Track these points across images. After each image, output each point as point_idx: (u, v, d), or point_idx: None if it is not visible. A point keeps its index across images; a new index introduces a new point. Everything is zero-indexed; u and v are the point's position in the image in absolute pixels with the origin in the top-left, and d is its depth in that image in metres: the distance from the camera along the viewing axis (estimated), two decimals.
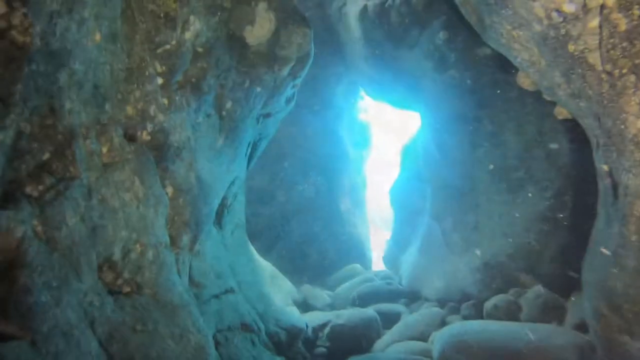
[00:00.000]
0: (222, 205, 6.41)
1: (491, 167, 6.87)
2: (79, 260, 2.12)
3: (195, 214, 4.23)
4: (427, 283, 7.78)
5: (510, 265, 6.12)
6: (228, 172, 5.56)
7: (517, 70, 6.33)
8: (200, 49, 4.31)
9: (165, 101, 3.83)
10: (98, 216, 2.51)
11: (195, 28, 3.94)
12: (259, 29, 5.15)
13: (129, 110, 3.31)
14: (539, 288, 5.58)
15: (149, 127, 3.58)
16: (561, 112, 3.47)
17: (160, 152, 3.71)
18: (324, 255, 11.43)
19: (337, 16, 9.66)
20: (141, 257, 3.00)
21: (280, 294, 8.70)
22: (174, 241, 3.87)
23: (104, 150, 2.94)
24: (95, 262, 2.40)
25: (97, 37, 2.53)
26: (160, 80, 3.73)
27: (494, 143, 6.77)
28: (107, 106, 2.97)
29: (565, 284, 5.38)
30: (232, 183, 6.34)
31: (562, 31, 2.53)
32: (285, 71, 6.01)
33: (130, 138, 3.40)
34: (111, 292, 2.60)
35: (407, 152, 12.41)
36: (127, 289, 2.74)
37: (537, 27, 2.75)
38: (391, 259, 11.83)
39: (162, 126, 3.71)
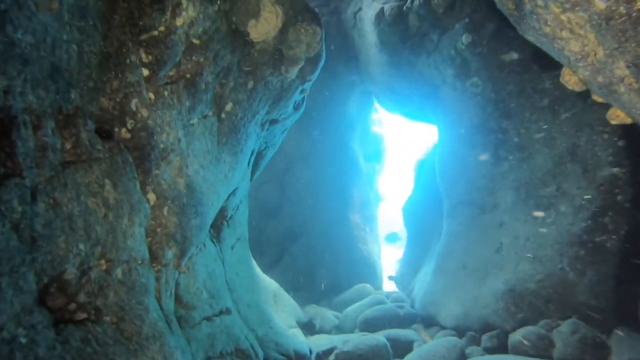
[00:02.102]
0: (221, 218, 5.92)
1: (516, 182, 6.25)
2: None
3: (183, 225, 3.71)
4: (443, 308, 7.10)
5: (540, 293, 5.45)
6: (227, 180, 5.05)
7: (549, 74, 5.80)
8: (195, 41, 3.85)
9: (151, 96, 3.36)
10: (43, 224, 2.00)
11: (188, 15, 3.49)
12: (264, 24, 4.69)
13: (104, 102, 2.84)
14: (574, 321, 4.90)
15: (129, 123, 3.10)
16: (617, 116, 2.90)
17: (142, 152, 3.22)
18: (332, 273, 10.81)
19: (352, 22, 9.23)
20: (106, 276, 2.48)
21: (284, 315, 8.11)
22: (155, 257, 3.35)
23: (67, 145, 2.46)
24: (32, 283, 1.88)
25: (54, 5, 2.06)
26: (145, 72, 3.26)
27: (520, 157, 6.17)
28: (73, 94, 2.49)
29: (607, 318, 4.70)
30: (233, 194, 5.85)
31: (639, 4, 1.98)
32: (293, 73, 5.54)
33: (106, 134, 2.92)
34: (58, 321, 2.07)
35: (422, 167, 11.83)
36: (81, 316, 2.21)
37: (599, 5, 2.21)
38: (403, 279, 11.16)
39: (145, 123, 3.23)
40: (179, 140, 3.80)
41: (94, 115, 2.73)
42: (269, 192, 11.57)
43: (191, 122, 4.11)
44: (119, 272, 2.61)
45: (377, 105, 12.41)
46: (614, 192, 4.97)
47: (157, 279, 3.35)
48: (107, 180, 2.69)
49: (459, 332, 6.60)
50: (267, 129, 6.51)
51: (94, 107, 2.72)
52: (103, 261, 2.48)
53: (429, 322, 7.57)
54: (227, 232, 6.21)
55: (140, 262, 2.97)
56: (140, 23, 3.00)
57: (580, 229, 5.25)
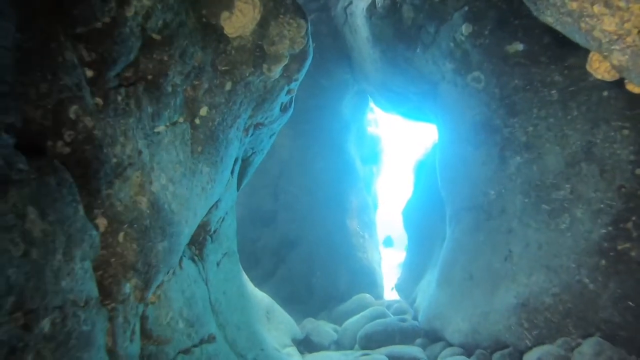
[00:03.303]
0: (204, 233, 5.40)
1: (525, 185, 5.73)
2: None
3: (145, 251, 3.18)
4: (449, 323, 6.57)
5: (557, 308, 4.92)
6: (205, 193, 4.52)
7: (559, 65, 5.28)
8: (155, 36, 3.32)
9: (99, 101, 2.83)
10: None
11: (142, 4, 2.95)
12: (240, 17, 4.16)
13: (29, 110, 2.30)
14: (598, 340, 4.37)
15: (68, 135, 2.56)
16: None
17: (87, 169, 2.69)
18: (330, 284, 10.27)
19: (343, 18, 8.72)
20: (22, 334, 1.94)
21: (278, 333, 7.56)
22: (107, 293, 2.81)
23: None
24: None
25: None
26: (89, 72, 2.73)
27: (528, 157, 5.63)
28: None
29: (635, 336, 4.18)
30: (215, 206, 5.31)
31: None
32: (277, 72, 5.01)
33: (36, 150, 2.39)
34: None
35: (421, 168, 11.31)
36: None
37: None
38: (405, 286, 10.63)
39: (90, 134, 2.69)
40: (139, 152, 3.26)
41: (12, 128, 2.19)
42: (263, 199, 11.04)
43: (156, 130, 3.58)
44: (45, 325, 2.07)
45: (372, 105, 11.90)
46: (637, 194, 4.44)
47: (111, 319, 2.81)
48: (30, 209, 2.15)
49: (468, 349, 6.07)
50: (252, 134, 5.99)
51: (12, 118, 2.19)
52: (19, 314, 1.94)
53: (434, 337, 7.03)
54: (212, 247, 5.67)
55: (82, 305, 2.43)
56: (75, 12, 2.46)
57: (599, 236, 4.72)
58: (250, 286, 7.62)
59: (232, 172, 5.65)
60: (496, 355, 5.43)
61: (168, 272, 3.90)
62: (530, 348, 5.08)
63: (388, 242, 17.04)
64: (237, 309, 6.28)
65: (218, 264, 5.98)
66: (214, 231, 5.74)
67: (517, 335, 5.27)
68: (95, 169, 2.74)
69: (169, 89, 3.67)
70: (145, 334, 3.60)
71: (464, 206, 7.03)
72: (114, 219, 2.88)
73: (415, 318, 8.26)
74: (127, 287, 2.99)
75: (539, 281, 5.24)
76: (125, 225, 2.99)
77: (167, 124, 3.77)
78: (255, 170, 7.18)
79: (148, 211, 3.27)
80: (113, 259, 2.87)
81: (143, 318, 3.52)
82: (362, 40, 7.95)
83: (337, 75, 10.11)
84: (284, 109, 6.23)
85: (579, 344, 4.61)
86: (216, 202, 5.26)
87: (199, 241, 5.35)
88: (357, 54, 8.93)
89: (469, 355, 5.93)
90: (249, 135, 5.85)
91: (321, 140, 10.68)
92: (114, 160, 2.92)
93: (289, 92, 5.87)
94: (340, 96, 10.63)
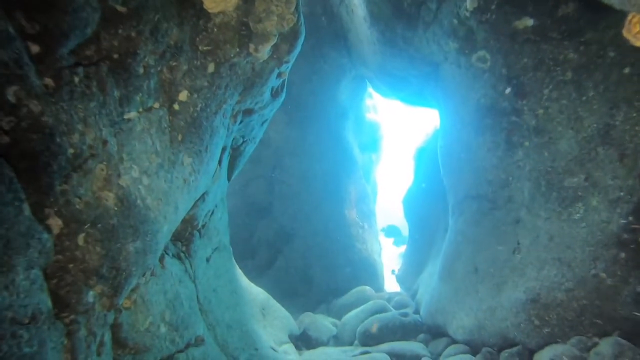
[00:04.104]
0: (190, 228, 5.04)
1: (533, 172, 5.34)
2: None
3: (112, 254, 2.80)
4: (453, 318, 6.24)
5: (570, 305, 4.57)
6: (188, 186, 4.13)
7: (573, 41, 4.85)
8: (119, 8, 2.90)
9: (49, 82, 2.42)
10: None
11: None
12: None
13: None
14: (617, 340, 4.03)
15: (7, 121, 2.16)
16: None
17: (35, 162, 2.30)
18: (329, 276, 9.95)
19: None
20: None
21: (274, 330, 7.24)
22: (65, 304, 2.44)
23: None
24: None
25: None
26: (34, 47, 2.32)
27: (538, 142, 5.23)
28: None
29: None
30: (202, 199, 4.94)
31: None
32: (265, 52, 4.59)
33: None
34: None
35: (422, 155, 10.91)
36: None
37: None
38: (406, 277, 10.32)
39: (37, 120, 2.30)
40: (104, 142, 2.87)
41: None
42: (258, 189, 10.67)
43: (126, 117, 3.18)
44: None
45: (371, 90, 11.46)
46: None
47: (70, 334, 2.44)
48: None
49: (473, 346, 5.75)
50: (242, 121, 5.58)
51: None
52: None
53: (437, 333, 6.71)
54: (200, 243, 5.32)
55: (27, 322, 2.06)
56: None
57: (618, 226, 4.34)
58: (244, 281, 7.29)
59: (220, 162, 5.26)
60: (504, 354, 5.10)
61: (144, 274, 3.54)
62: (541, 347, 4.75)
63: (393, 231, 16.50)
64: (229, 306, 5.95)
65: (208, 260, 5.63)
66: (202, 225, 5.37)
67: (527, 333, 4.93)
68: (45, 162, 2.35)
69: (140, 70, 3.26)
70: (120, 344, 3.25)
71: (467, 195, 6.64)
72: (71, 219, 2.50)
73: (416, 312, 7.94)
74: (90, 296, 2.62)
75: (550, 275, 4.89)
76: (87, 226, 2.60)
77: (140, 109, 3.37)
78: (247, 159, 6.80)
79: (116, 208, 2.89)
80: (71, 265, 2.50)
81: (115, 326, 3.17)
82: (359, 20, 7.48)
83: (333, 58, 9.64)
84: (275, 93, 5.82)
85: (595, 344, 4.27)
86: (202, 194, 4.89)
87: (186, 237, 4.99)
88: (354, 35, 8.46)
89: (474, 353, 5.61)
90: (238, 123, 5.45)
91: (317, 128, 10.26)
92: (71, 150, 2.53)
93: (279, 75, 5.45)
94: (336, 81, 10.18)
